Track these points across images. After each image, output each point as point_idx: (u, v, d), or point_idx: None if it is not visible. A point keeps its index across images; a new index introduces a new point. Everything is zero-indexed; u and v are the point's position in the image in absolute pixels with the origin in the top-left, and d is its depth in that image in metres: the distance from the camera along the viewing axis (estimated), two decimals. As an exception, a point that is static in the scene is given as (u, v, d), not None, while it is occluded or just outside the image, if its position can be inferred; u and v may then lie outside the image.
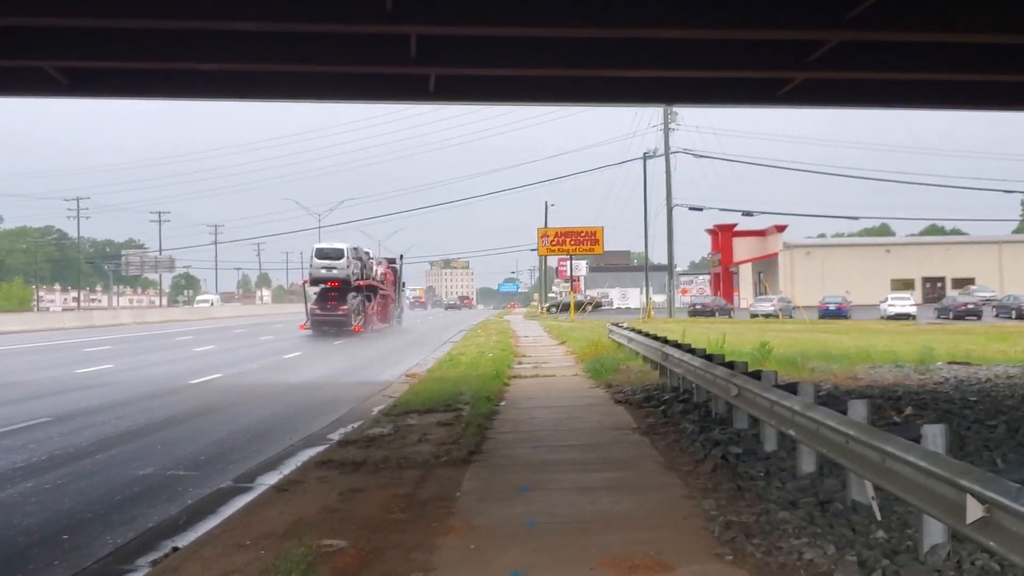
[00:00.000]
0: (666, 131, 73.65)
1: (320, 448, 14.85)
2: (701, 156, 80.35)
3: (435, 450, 13.52)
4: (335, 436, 16.32)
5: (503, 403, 19.14)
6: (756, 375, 12.74)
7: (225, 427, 17.80)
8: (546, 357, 32.34)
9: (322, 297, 54.65)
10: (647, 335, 24.64)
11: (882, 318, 67.18)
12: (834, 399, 12.55)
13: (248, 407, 20.97)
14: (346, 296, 54.17)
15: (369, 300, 57.41)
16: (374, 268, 60.69)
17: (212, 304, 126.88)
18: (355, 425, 17.26)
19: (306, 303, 56.81)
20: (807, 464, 10.50)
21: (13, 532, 10.15)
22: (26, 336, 55.57)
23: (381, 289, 60.38)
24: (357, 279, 55.64)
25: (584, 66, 18.56)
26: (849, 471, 8.85)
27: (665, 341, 21.47)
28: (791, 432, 10.28)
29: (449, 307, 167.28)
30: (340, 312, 53.39)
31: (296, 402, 21.99)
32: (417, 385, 23.56)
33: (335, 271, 54.70)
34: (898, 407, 16.75)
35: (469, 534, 8.75)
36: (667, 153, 74.42)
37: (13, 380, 27.05)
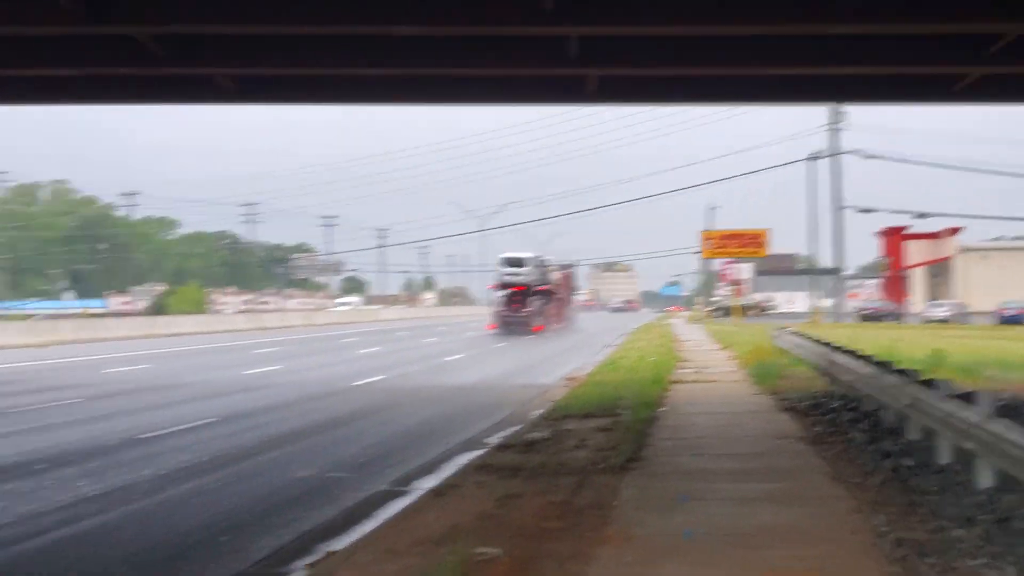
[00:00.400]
0: (833, 131, 71.81)
1: (478, 452, 14.79)
2: (871, 157, 77.75)
3: (593, 456, 13.30)
4: (494, 440, 16.25)
5: (663, 409, 18.79)
6: (930, 383, 12.13)
7: (385, 429, 17.94)
8: (708, 362, 31.77)
9: (508, 300, 60.50)
10: (814, 340, 23.93)
11: (1066, 324, 64.12)
12: (1015, 411, 11.85)
13: (409, 409, 21.12)
14: (528, 299, 60.17)
15: (547, 303, 62.79)
16: (551, 274, 66.20)
17: (352, 307, 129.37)
18: (514, 429, 17.17)
19: (494, 305, 62.90)
20: (985, 479, 9.91)
21: (174, 533, 10.34)
22: (200, 338, 57.50)
23: (557, 293, 65.69)
24: (537, 284, 61.56)
25: (748, 64, 18.10)
26: (1033, 488, 8.28)
27: (833, 347, 20.77)
28: (968, 445, 9.70)
29: (615, 310, 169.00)
30: (523, 313, 59.20)
31: (456, 405, 22.06)
32: (577, 389, 23.37)
33: (519, 277, 60.98)
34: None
35: (625, 545, 8.51)
36: (834, 153, 72.58)
37: (185, 381, 27.93)
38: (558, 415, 18.09)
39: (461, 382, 27.73)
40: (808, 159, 75.39)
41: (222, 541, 9.85)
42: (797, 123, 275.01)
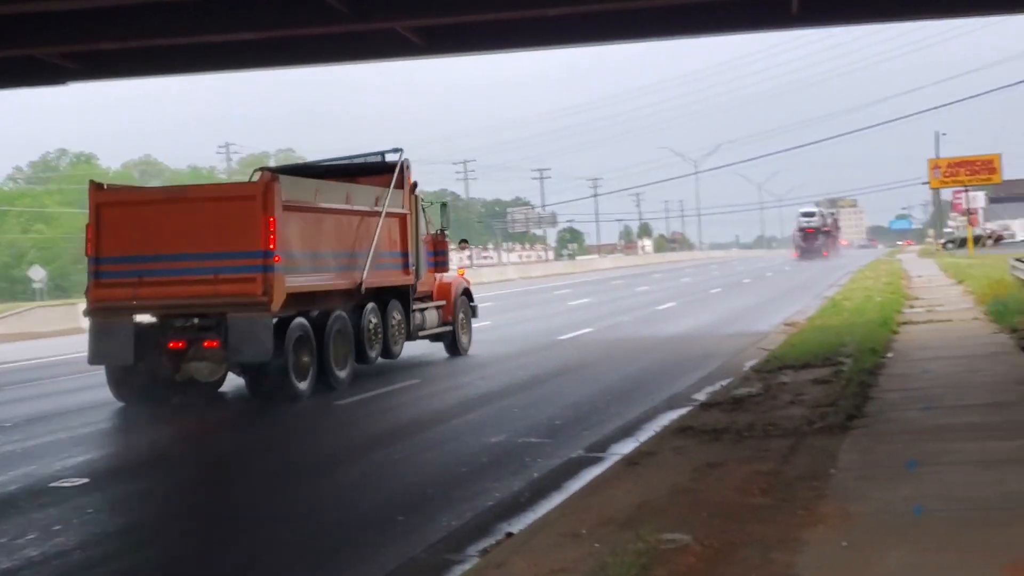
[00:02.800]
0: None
1: (682, 411, 13.66)
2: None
3: (808, 414, 11.98)
4: (701, 396, 15.10)
5: (890, 355, 17.16)
6: None
7: (586, 387, 17.00)
8: (940, 299, 29.50)
9: (805, 238, 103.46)
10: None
11: None
12: None
13: (613, 364, 20.14)
14: (818, 236, 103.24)
15: (828, 238, 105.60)
16: (827, 219, 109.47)
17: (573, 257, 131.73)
18: (723, 383, 15.93)
19: (795, 241, 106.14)
20: None
21: (350, 512, 9.69)
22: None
23: (832, 233, 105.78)
24: (822, 227, 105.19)
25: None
26: None
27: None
28: None
29: (860, 247, 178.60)
30: (816, 245, 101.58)
31: (664, 357, 20.94)
32: (795, 336, 21.84)
33: (812, 220, 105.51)
34: None
35: (843, 526, 7.27)
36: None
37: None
38: (772, 366, 16.72)
39: (672, 332, 26.55)
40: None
41: (398, 521, 9.09)
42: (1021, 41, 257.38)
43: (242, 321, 15.51)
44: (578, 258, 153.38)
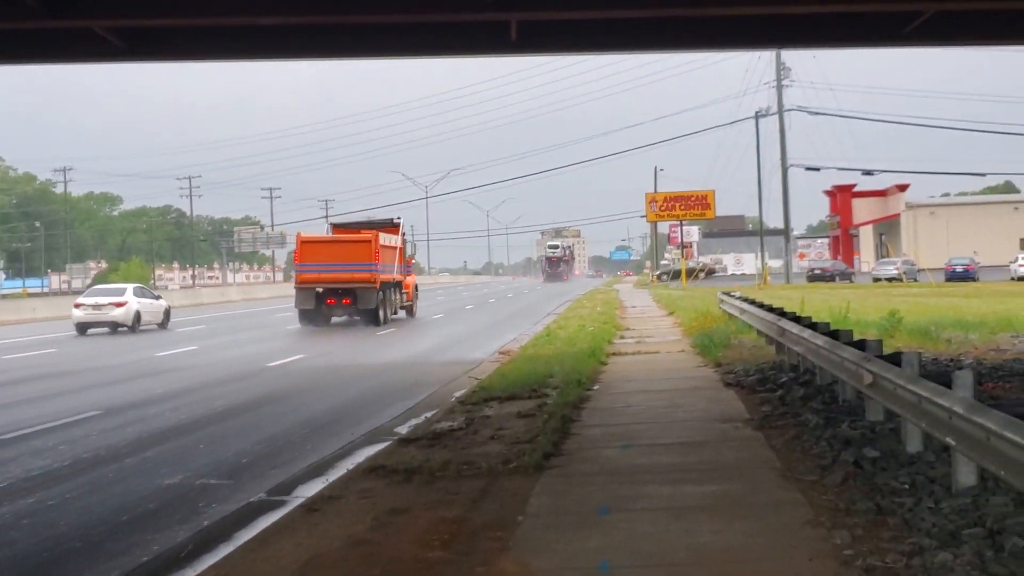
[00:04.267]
0: (779, 84, 70.20)
1: (381, 446, 12.88)
2: (817, 113, 76.21)
3: (506, 451, 11.44)
4: (404, 429, 14.37)
5: (596, 387, 16.99)
6: (895, 359, 10.34)
7: (286, 419, 15.97)
8: (651, 330, 30.04)
9: (550, 264, 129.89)
10: (761, 306, 22.18)
11: (1012, 279, 63.18)
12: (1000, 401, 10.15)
13: (319, 394, 19.18)
14: (560, 264, 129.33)
15: (567, 265, 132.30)
16: (567, 251, 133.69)
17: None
18: (428, 415, 15.30)
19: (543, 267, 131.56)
20: (966, 475, 8.14)
21: (-25, 572, 8.38)
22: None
23: (570, 261, 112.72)
24: (564, 256, 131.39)
25: (685, 4, 16.34)
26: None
27: (782, 313, 19.01)
28: (949, 440, 7.89)
29: (589, 276, 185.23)
30: (559, 271, 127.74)
31: (373, 386, 20.15)
32: (506, 365, 21.51)
33: (557, 251, 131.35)
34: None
35: (522, 584, 6.65)
36: (780, 110, 70.99)
37: (86, 366, 25.76)
38: (479, 397, 16.22)
39: (387, 359, 25.79)
40: (754, 117, 73.76)
41: (33, 582, 7.87)
42: (741, 82, 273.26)
43: (363, 291, 37.27)
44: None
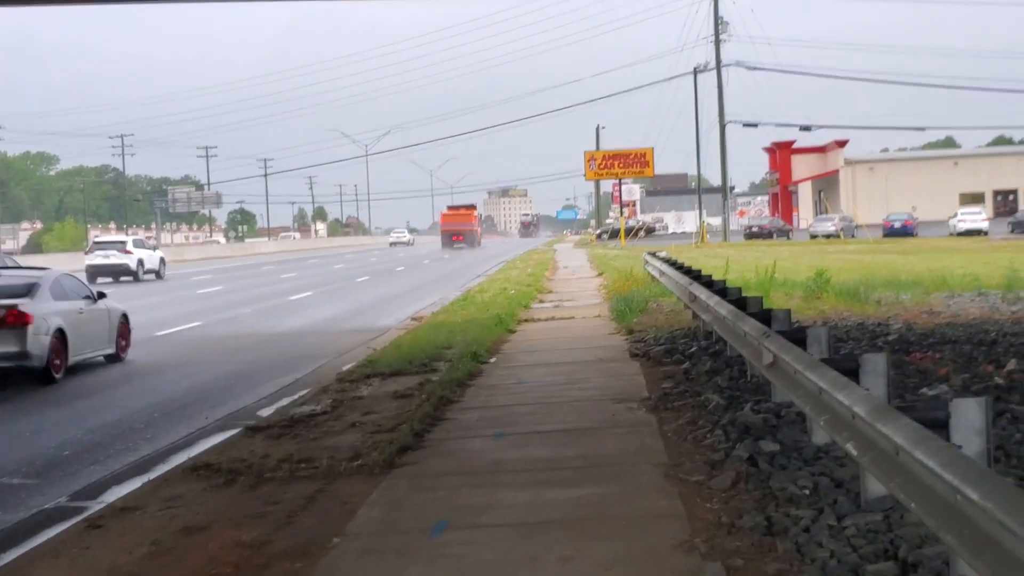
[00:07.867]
0: (717, 38, 68.64)
1: (226, 436, 11.25)
2: (755, 68, 74.27)
3: (361, 442, 9.87)
4: (269, 411, 12.75)
5: (493, 359, 15.46)
6: (799, 337, 8.81)
7: (140, 399, 14.27)
8: (575, 293, 28.55)
9: (524, 226, 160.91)
10: (678, 268, 20.71)
11: (952, 235, 62.48)
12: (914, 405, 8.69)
13: (198, 367, 17.50)
14: (530, 227, 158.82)
15: (535, 227, 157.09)
16: (534, 217, 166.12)
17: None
18: (297, 395, 13.69)
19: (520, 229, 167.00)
20: (876, 486, 6.65)
21: None
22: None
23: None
24: (532, 221, 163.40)
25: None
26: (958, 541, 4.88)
27: (696, 277, 17.51)
28: (849, 448, 6.34)
29: (522, 235, 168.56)
30: (529, 231, 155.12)
31: (261, 358, 18.47)
32: (407, 334, 19.88)
33: (528, 217, 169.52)
34: (995, 358, 12.81)
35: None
36: (719, 65, 69.52)
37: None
38: (362, 373, 14.64)
39: (290, 326, 24.08)
40: (692, 73, 72.25)
41: None
42: (686, 35, 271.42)
43: (470, 232, 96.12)
44: (248, 240, 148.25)
